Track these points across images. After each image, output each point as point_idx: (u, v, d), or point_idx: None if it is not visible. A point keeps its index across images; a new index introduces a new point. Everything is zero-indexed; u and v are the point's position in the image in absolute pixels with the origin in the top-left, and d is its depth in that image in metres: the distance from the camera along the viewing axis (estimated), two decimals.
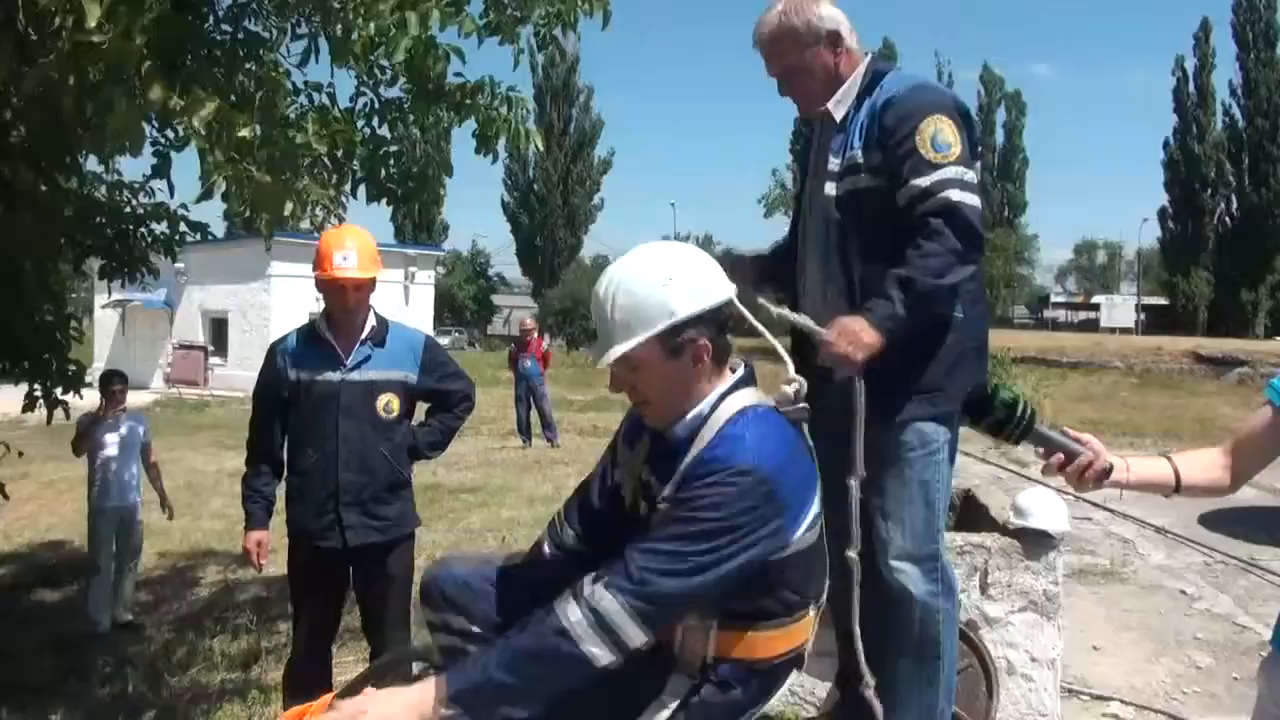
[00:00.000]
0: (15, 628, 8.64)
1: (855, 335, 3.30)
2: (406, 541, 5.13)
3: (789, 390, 2.76)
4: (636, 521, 2.77)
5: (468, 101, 5.69)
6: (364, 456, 4.91)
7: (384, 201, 6.16)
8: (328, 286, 4.88)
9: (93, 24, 3.06)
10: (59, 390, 7.15)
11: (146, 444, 8.91)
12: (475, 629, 2.90)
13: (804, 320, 3.46)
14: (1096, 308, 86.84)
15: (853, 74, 3.66)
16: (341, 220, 5.84)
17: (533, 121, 5.78)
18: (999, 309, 72.44)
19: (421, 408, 5.34)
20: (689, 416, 2.68)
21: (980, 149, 3.81)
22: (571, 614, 2.44)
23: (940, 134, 3.41)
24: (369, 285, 4.94)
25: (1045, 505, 4.87)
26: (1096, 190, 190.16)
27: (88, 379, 7.47)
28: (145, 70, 3.47)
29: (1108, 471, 2.64)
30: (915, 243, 3.37)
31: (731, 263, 3.69)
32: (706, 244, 79.21)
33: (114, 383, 8.76)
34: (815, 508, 2.66)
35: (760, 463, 2.51)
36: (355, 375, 4.92)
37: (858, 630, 3.42)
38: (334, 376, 4.91)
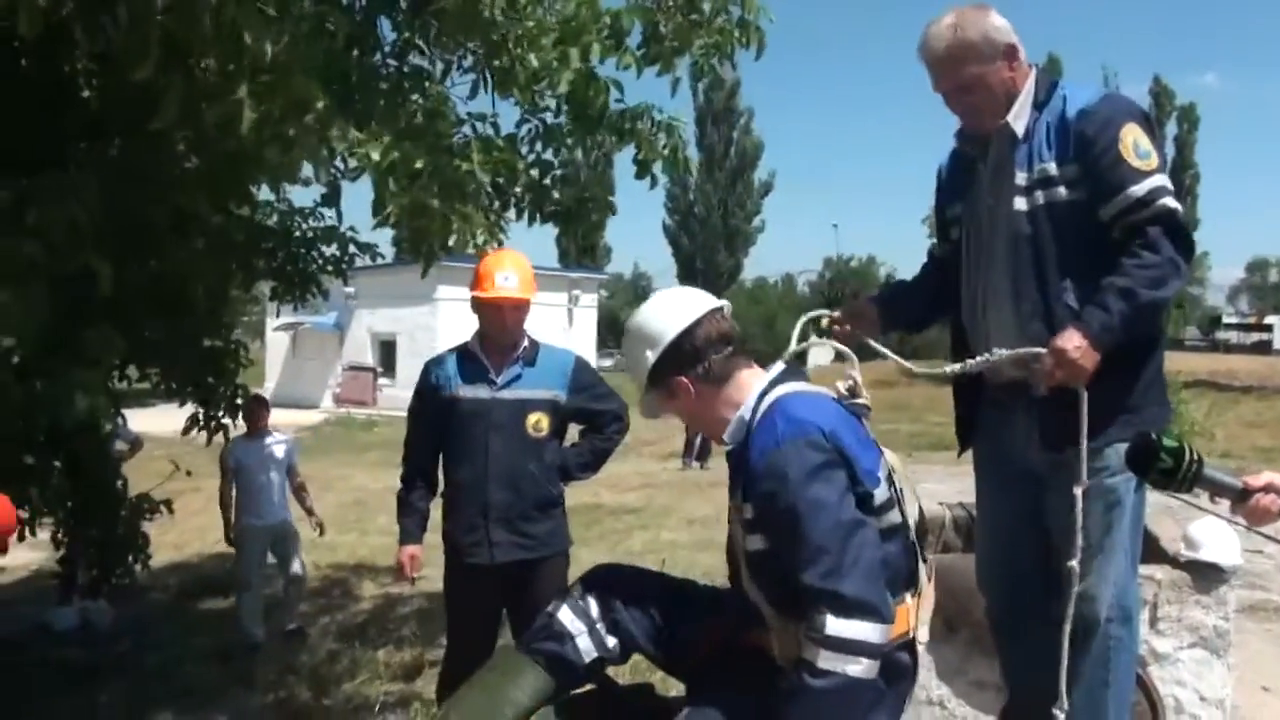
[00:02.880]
0: (183, 635, 9.02)
1: (1072, 363, 3.19)
2: (557, 559, 5.12)
3: (842, 387, 2.92)
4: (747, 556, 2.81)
5: (628, 127, 5.79)
6: (513, 474, 4.96)
7: (550, 224, 6.29)
8: (486, 306, 4.96)
9: (268, 61, 3.18)
10: (222, 414, 7.41)
11: (292, 465, 9.03)
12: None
13: (1003, 354, 3.36)
14: (1269, 329, 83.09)
15: (1024, 86, 3.52)
16: (502, 245, 5.97)
17: (692, 147, 5.86)
18: (1171, 330, 70.38)
19: (574, 430, 5.39)
20: (733, 425, 2.83)
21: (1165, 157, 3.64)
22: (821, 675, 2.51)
23: (1140, 141, 3.30)
24: (525, 307, 5.00)
25: (1217, 537, 4.70)
26: (1268, 204, 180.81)
27: None
28: (322, 108, 3.60)
29: None
30: (1133, 251, 3.25)
31: (854, 312, 3.73)
32: (869, 265, 78.46)
33: (254, 405, 8.78)
34: (882, 473, 2.78)
35: (803, 421, 2.66)
36: (506, 393, 4.98)
37: (1065, 654, 3.35)
38: (485, 394, 4.97)
